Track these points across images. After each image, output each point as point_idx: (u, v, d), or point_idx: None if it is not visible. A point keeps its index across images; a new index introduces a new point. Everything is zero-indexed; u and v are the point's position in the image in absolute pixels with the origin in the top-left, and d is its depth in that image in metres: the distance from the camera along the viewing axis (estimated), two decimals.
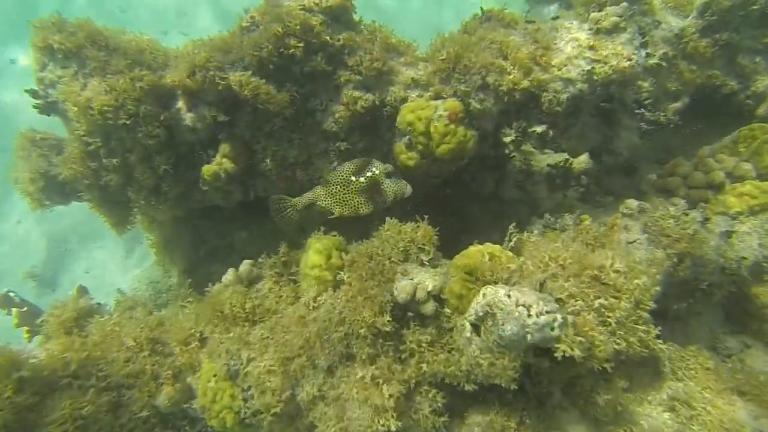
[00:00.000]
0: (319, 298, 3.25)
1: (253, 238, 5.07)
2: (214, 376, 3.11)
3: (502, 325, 2.30)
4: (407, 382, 2.97)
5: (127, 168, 4.03)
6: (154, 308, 5.66)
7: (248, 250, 4.97)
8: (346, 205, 3.85)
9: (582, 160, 5.25)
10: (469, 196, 5.13)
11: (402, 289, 2.95)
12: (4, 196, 7.17)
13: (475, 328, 2.58)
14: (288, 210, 3.92)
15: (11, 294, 3.50)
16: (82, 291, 3.97)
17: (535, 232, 4.08)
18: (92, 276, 6.48)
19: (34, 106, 3.98)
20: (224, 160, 4.02)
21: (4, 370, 2.86)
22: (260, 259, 3.78)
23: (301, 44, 3.74)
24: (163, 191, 4.10)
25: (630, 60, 3.97)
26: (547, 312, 2.34)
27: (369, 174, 3.80)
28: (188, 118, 3.88)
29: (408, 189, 3.90)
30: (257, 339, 3.19)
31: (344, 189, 3.84)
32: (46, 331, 3.38)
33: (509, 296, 2.40)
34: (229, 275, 3.63)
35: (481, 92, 3.92)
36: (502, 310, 2.34)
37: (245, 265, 3.69)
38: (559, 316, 2.36)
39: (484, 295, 2.50)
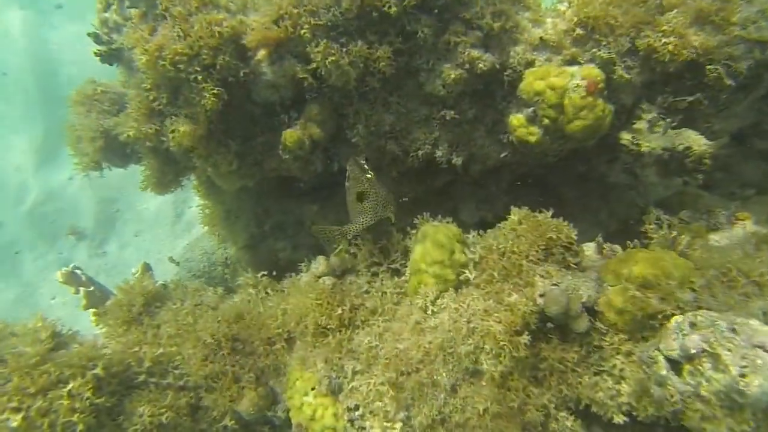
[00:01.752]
0: (439, 301, 2.70)
1: (325, 213, 4.54)
2: (313, 389, 2.61)
3: (742, 376, 1.71)
4: (545, 408, 2.45)
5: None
6: (212, 282, 5.25)
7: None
8: (389, 205, 3.06)
9: (701, 142, 4.54)
10: (570, 178, 4.51)
11: (553, 299, 2.38)
12: (56, 150, 6.72)
13: (673, 363, 2.01)
14: (337, 238, 2.93)
15: (78, 271, 3.02)
16: (147, 269, 3.50)
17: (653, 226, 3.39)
18: (142, 239, 6.06)
19: (96, 53, 3.40)
20: (310, 124, 3.44)
21: (81, 367, 2.40)
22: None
23: None
24: (234, 158, 3.55)
25: None
26: None
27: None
28: (270, 72, 3.27)
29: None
30: (364, 348, 2.66)
31: (377, 190, 3.04)
32: (115, 318, 2.91)
33: (734, 331, 1.81)
34: (319, 265, 3.10)
35: (627, 58, 3.22)
36: (730, 351, 1.75)
37: (338, 255, 3.16)
38: None
39: (692, 325, 1.91)
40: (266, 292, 3.33)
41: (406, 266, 3.10)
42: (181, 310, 2.99)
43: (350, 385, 2.59)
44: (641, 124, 4.62)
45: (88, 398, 2.37)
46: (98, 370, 2.46)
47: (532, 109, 3.25)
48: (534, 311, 2.40)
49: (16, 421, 2.18)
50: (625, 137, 4.69)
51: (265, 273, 3.44)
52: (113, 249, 6.03)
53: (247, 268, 4.95)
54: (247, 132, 3.57)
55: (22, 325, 2.78)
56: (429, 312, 2.70)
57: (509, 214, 3.01)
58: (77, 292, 3.05)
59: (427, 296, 2.72)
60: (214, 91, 3.13)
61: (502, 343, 2.36)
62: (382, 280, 3.06)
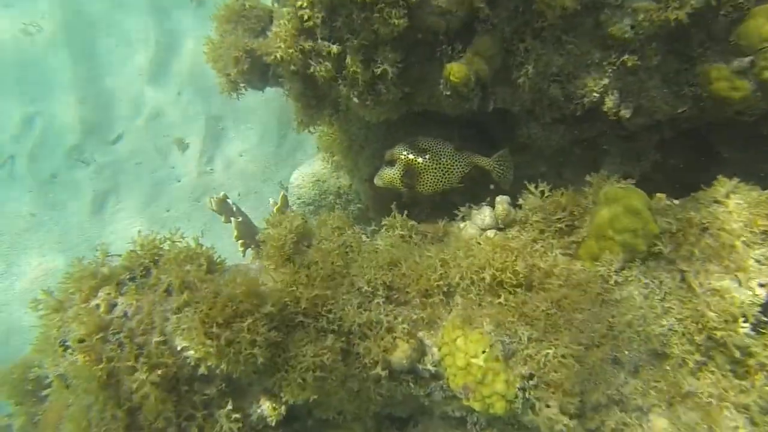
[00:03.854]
0: (625, 272, 2.47)
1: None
2: (483, 352, 2.50)
3: None
4: (747, 409, 2.25)
5: (345, 56, 3.22)
6: (321, 211, 5.20)
7: None
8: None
9: None
10: (737, 138, 4.01)
11: None
12: (165, 65, 6.66)
13: None
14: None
15: (228, 201, 2.95)
16: (285, 201, 3.41)
17: None
18: (246, 160, 6.04)
19: None
20: (477, 59, 3.11)
21: (254, 304, 2.37)
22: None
23: None
24: (384, 90, 3.30)
25: None
26: None
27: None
28: None
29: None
30: (540, 314, 2.50)
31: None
32: (269, 256, 2.84)
33: None
34: (485, 216, 2.90)
35: None
36: None
37: (503, 204, 2.94)
38: None
39: None
40: (411, 237, 3.18)
41: (572, 224, 2.87)
42: (332, 252, 2.89)
43: (525, 352, 2.46)
44: None
45: (263, 333, 2.34)
46: (270, 308, 2.41)
47: (749, 58, 2.79)
48: (755, 303, 2.13)
49: (212, 347, 2.19)
50: None
51: (408, 214, 3.27)
52: (219, 167, 6.05)
53: (366, 202, 4.85)
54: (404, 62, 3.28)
55: (179, 250, 2.76)
56: (612, 282, 2.48)
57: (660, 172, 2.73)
58: (228, 221, 2.99)
59: (612, 265, 2.48)
60: (394, 19, 2.83)
61: (715, 330, 2.13)
62: (547, 240, 2.84)
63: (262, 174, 5.97)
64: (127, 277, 2.53)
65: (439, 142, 3.23)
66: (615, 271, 2.47)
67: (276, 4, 3.40)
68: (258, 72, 3.52)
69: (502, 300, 2.59)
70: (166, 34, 6.83)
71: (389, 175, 3.19)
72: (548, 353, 2.37)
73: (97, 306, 2.38)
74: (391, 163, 3.17)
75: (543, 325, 2.46)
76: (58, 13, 6.88)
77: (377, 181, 3.31)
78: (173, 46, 6.80)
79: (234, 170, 6.03)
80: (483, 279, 2.63)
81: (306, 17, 3.06)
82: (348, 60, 3.16)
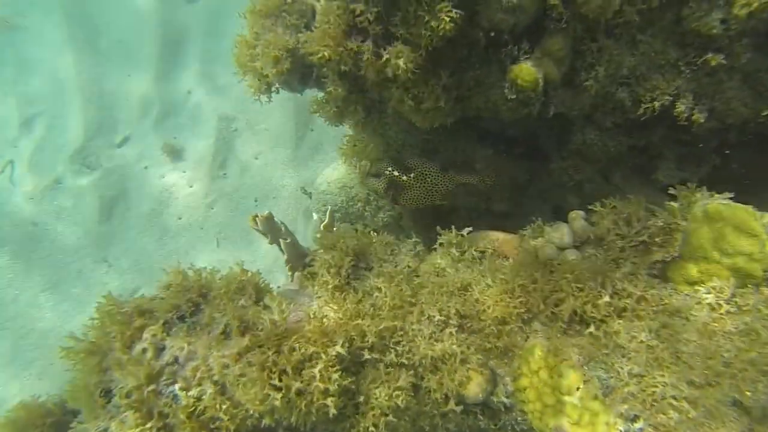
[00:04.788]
0: (738, 300, 2.21)
1: (500, 159, 4.02)
2: (578, 388, 2.23)
3: None
4: None
5: (400, 56, 2.91)
6: (348, 218, 4.91)
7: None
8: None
9: None
10: None
11: None
12: (174, 57, 6.28)
13: None
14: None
15: (275, 219, 2.64)
16: (333, 218, 3.10)
17: None
18: (261, 163, 5.71)
19: None
20: (546, 60, 2.83)
21: (322, 344, 2.07)
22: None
23: None
24: (442, 93, 3.00)
25: None
26: None
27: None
28: None
29: None
30: (638, 345, 2.23)
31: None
32: (325, 284, 2.53)
33: None
34: (563, 234, 2.63)
35: None
36: None
37: (579, 219, 2.67)
38: None
39: None
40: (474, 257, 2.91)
41: (653, 242, 2.60)
42: (396, 276, 2.60)
43: (625, 389, 2.19)
44: None
45: (336, 380, 2.05)
46: (339, 348, 2.12)
47: None
48: None
49: (276, 400, 1.89)
50: None
51: (470, 229, 3.01)
52: (233, 171, 5.71)
53: (400, 209, 4.56)
54: (459, 63, 2.99)
55: (228, 280, 2.45)
56: (722, 311, 2.22)
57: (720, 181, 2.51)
58: (275, 242, 2.68)
59: (721, 292, 2.22)
60: (451, 13, 2.54)
61: None
62: (633, 258, 2.57)
63: (281, 178, 5.65)
64: (176, 315, 2.21)
65: (424, 162, 3.25)
66: (725, 300, 2.21)
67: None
68: (298, 73, 3.19)
69: (592, 329, 2.32)
70: (172, 27, 6.45)
71: (374, 184, 3.20)
72: (655, 392, 2.11)
73: (144, 351, 2.07)
74: (377, 175, 3.02)
75: (644, 359, 2.20)
76: (59, 7, 6.47)
77: (361, 186, 3.25)
78: (180, 43, 6.43)
79: (249, 174, 5.70)
80: (569, 305, 2.36)
81: (359, 11, 2.76)
82: (402, 61, 2.86)
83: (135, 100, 6.08)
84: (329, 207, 3.30)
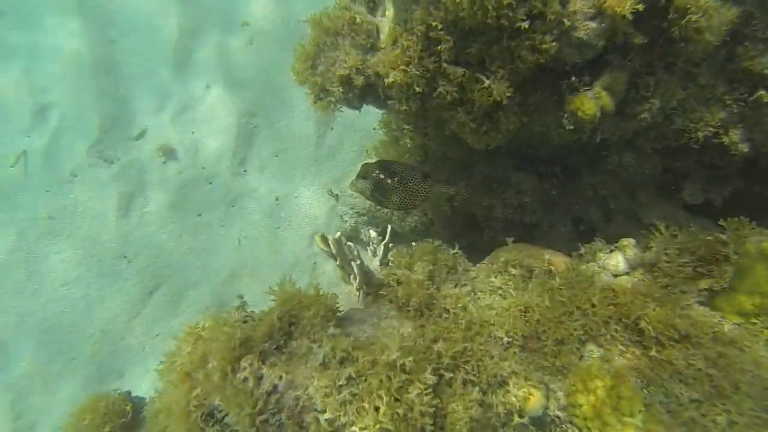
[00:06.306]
0: None
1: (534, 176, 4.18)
2: (640, 411, 2.41)
3: None
4: None
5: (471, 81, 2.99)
6: (374, 221, 5.00)
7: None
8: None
9: None
10: None
11: None
12: (188, 53, 6.15)
13: None
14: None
15: (349, 244, 2.72)
16: (391, 236, 3.18)
17: None
18: (281, 161, 5.71)
19: None
20: (605, 93, 2.96)
21: (413, 370, 2.18)
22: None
23: None
24: (504, 119, 3.11)
25: None
26: None
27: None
28: (588, 28, 2.74)
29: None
30: (695, 372, 2.42)
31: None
32: (401, 305, 2.64)
33: None
34: (618, 261, 2.79)
35: None
36: None
37: (631, 248, 2.84)
38: None
39: None
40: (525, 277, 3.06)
41: (700, 270, 2.80)
42: (462, 298, 2.73)
43: (686, 415, 2.39)
44: None
45: (427, 402, 2.18)
46: (428, 374, 2.24)
47: None
48: None
49: (388, 425, 2.01)
50: None
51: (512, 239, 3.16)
52: (252, 169, 5.70)
53: (432, 216, 4.67)
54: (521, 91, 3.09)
55: (310, 301, 2.54)
56: None
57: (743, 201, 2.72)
58: (345, 266, 2.75)
59: None
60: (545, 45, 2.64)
61: None
62: (682, 285, 2.76)
63: (302, 177, 5.67)
64: (273, 346, 2.27)
65: (408, 168, 3.41)
66: None
67: (385, 19, 3.12)
68: (359, 90, 3.24)
69: (653, 353, 2.50)
70: (190, 18, 6.32)
71: (362, 186, 3.35)
72: (718, 420, 2.31)
73: (245, 379, 2.14)
74: (365, 177, 3.33)
75: (705, 387, 2.39)
76: None
77: (350, 187, 3.45)
78: (197, 34, 6.31)
79: (269, 172, 5.70)
80: (628, 329, 2.53)
81: (436, 38, 2.82)
82: (472, 86, 2.93)
83: (152, 92, 5.96)
84: (389, 226, 3.36)
